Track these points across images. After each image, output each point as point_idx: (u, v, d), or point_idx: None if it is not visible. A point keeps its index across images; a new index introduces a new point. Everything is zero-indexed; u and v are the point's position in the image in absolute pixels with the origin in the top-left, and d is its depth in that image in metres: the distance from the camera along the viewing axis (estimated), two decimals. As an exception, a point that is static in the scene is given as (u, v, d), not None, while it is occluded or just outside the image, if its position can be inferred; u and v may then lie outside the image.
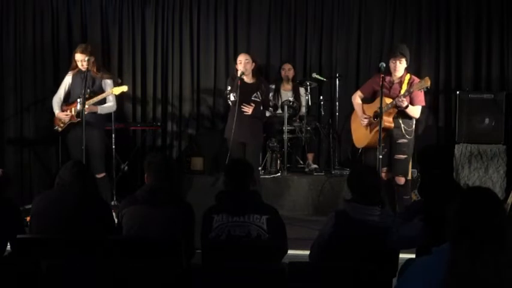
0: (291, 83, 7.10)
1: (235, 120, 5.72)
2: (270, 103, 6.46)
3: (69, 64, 6.13)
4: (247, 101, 5.80)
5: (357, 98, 5.76)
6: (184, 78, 7.45)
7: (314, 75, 7.05)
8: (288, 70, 7.06)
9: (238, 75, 5.78)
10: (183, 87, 7.46)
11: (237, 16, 7.39)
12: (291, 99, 6.80)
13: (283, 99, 6.89)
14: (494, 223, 2.09)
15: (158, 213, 3.46)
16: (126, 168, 6.81)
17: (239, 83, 5.74)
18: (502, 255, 2.05)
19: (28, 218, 3.75)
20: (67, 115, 5.85)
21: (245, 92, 5.79)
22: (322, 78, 7.08)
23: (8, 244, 3.52)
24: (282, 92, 7.07)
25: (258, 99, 5.87)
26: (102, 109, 5.93)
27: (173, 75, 7.45)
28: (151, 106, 7.46)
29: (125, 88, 6.07)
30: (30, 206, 3.75)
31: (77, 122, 5.79)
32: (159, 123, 7.26)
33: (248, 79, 5.87)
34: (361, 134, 5.69)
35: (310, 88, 6.88)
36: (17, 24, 7.23)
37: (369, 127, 5.57)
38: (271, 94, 6.99)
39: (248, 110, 5.78)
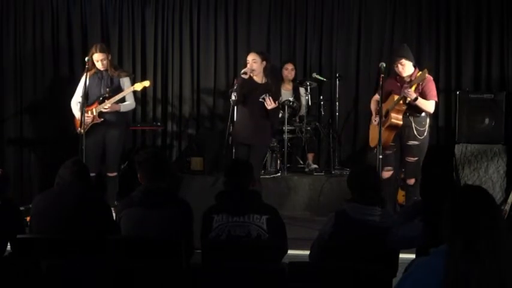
0: (291, 83, 7.10)
1: (241, 122, 5.67)
2: (280, 111, 6.33)
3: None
4: (254, 101, 5.70)
5: (373, 101, 5.77)
6: (184, 78, 7.45)
7: (314, 75, 7.05)
8: (290, 70, 7.04)
9: (241, 73, 5.72)
10: (183, 87, 7.46)
11: (237, 16, 7.39)
12: (291, 99, 6.79)
13: (283, 99, 6.87)
14: (486, 221, 2.09)
15: (155, 215, 3.44)
16: (126, 168, 6.80)
17: (235, 82, 5.66)
18: (498, 253, 2.05)
19: (28, 218, 3.75)
20: (88, 117, 5.84)
21: (253, 92, 5.70)
22: (322, 78, 7.08)
23: (8, 244, 3.52)
24: (283, 92, 7.05)
25: (265, 101, 5.78)
26: (124, 107, 5.95)
27: (173, 75, 7.45)
28: (151, 106, 7.46)
29: (147, 83, 6.11)
30: (30, 206, 3.75)
31: (100, 122, 5.80)
32: (159, 123, 7.26)
33: (258, 78, 5.74)
34: (374, 133, 5.67)
35: (310, 88, 6.88)
36: (17, 24, 7.23)
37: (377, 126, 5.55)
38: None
39: (269, 103, 5.64)
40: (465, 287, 2.04)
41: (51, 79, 7.23)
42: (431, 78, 5.51)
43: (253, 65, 5.68)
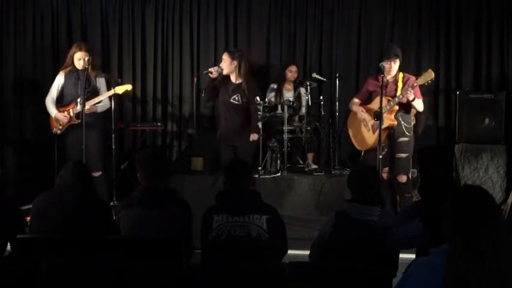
0: (292, 84, 7.10)
1: (223, 123, 5.70)
2: (259, 113, 6.12)
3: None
4: (227, 101, 5.72)
5: (354, 103, 5.79)
6: (184, 78, 7.45)
7: (314, 75, 7.05)
8: (294, 72, 7.03)
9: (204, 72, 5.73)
10: (183, 87, 7.46)
11: (237, 16, 7.39)
12: (291, 99, 6.79)
13: (284, 99, 6.87)
14: (486, 221, 2.10)
15: (155, 215, 3.45)
16: (126, 168, 6.79)
17: (194, 79, 5.60)
18: (498, 253, 2.05)
19: (28, 218, 3.75)
20: (65, 116, 5.83)
21: (226, 92, 5.71)
22: (322, 78, 7.08)
23: (8, 244, 3.52)
24: (284, 92, 7.06)
25: (237, 102, 5.76)
26: (100, 108, 5.93)
27: (173, 75, 7.45)
28: (151, 106, 7.46)
29: (128, 87, 6.07)
30: (30, 206, 3.75)
31: (77, 123, 5.77)
32: (159, 123, 7.24)
33: (233, 78, 5.75)
34: (363, 136, 5.70)
35: (310, 88, 6.88)
36: (17, 24, 7.24)
37: (371, 129, 5.58)
38: (272, 94, 6.97)
39: (254, 137, 5.69)
40: (465, 286, 2.04)
41: (51, 79, 7.20)
42: (415, 78, 5.54)
43: (223, 65, 5.68)
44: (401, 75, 5.55)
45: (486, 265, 2.04)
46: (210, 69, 5.67)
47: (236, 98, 5.69)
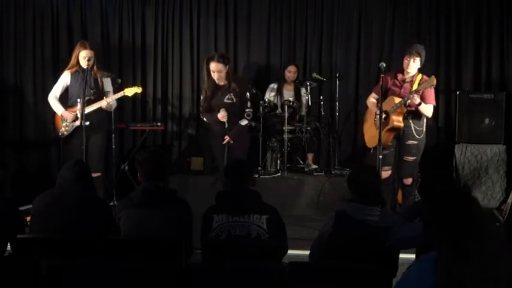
0: (292, 84, 7.10)
1: (215, 124, 5.71)
2: (247, 109, 6.02)
3: (68, 63, 6.11)
4: (220, 104, 5.75)
5: (370, 100, 5.75)
6: (184, 78, 7.45)
7: (314, 75, 7.05)
8: (293, 73, 7.03)
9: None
10: (183, 87, 7.46)
11: (237, 16, 7.38)
12: (291, 99, 6.79)
13: (284, 99, 6.87)
14: (469, 222, 2.10)
15: (155, 215, 3.45)
16: (126, 168, 6.79)
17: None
18: (486, 252, 2.06)
19: (28, 218, 3.75)
20: (72, 114, 5.79)
21: (217, 95, 5.74)
22: (322, 78, 7.07)
23: (8, 244, 3.52)
24: (285, 92, 7.06)
25: (231, 101, 5.78)
26: (112, 107, 5.96)
27: (173, 75, 7.45)
28: (151, 106, 7.45)
29: (139, 89, 6.07)
30: (30, 206, 3.75)
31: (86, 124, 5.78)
32: (159, 123, 7.24)
33: (221, 81, 5.83)
34: (372, 133, 5.67)
35: (310, 88, 6.88)
36: (17, 24, 7.23)
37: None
38: (272, 94, 6.98)
39: (222, 117, 5.76)
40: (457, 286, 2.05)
41: (51, 79, 7.22)
42: None
43: (217, 76, 5.77)
44: (419, 76, 5.47)
45: (475, 264, 2.04)
46: (221, 119, 5.82)
47: (230, 97, 5.75)
